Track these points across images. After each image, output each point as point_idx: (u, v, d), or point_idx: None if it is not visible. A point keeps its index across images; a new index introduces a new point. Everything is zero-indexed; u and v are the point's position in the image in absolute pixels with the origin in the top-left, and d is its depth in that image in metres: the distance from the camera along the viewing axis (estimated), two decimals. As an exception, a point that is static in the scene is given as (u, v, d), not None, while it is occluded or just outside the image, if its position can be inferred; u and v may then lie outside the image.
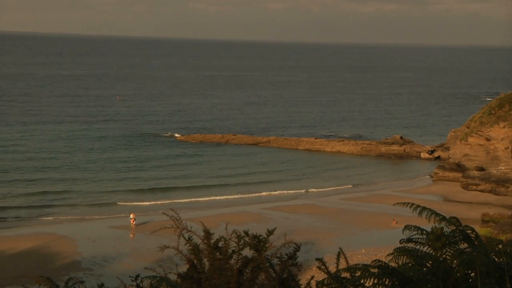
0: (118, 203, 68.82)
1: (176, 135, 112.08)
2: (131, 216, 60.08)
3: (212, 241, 9.75)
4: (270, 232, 9.85)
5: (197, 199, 72.78)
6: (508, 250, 8.43)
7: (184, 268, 10.00)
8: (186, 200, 71.83)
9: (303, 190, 79.27)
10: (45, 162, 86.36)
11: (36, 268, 45.46)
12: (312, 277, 9.70)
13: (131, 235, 57.63)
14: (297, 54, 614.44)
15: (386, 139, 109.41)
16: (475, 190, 78.61)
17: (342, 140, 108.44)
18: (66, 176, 79.55)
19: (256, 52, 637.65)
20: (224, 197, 74.26)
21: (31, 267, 46.38)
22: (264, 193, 77.22)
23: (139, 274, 9.24)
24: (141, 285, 9.36)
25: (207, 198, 72.94)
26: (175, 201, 68.61)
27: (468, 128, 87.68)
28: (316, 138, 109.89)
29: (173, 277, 9.57)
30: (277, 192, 77.87)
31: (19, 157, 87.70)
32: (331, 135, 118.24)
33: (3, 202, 67.16)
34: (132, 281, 9.52)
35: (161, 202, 69.07)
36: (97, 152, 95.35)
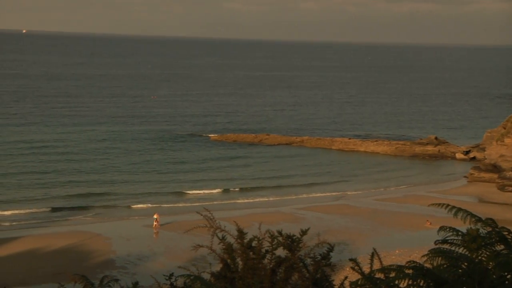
0: (149, 205, 68.89)
1: (210, 135, 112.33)
2: (155, 216, 60.05)
3: (245, 241, 9.77)
4: (303, 232, 9.83)
5: (235, 201, 72.61)
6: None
7: (217, 267, 10.02)
8: (223, 202, 71.66)
9: (338, 192, 78.84)
10: (82, 163, 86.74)
11: (72, 266, 45.90)
12: (346, 277, 9.67)
13: (154, 235, 57.68)
14: (331, 54, 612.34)
15: (421, 139, 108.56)
16: (511, 191, 77.65)
17: (376, 140, 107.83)
18: (103, 178, 79.80)
19: (290, 51, 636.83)
20: (258, 199, 74.14)
21: (66, 264, 46.86)
22: (297, 193, 77.07)
23: (173, 273, 9.29)
24: (175, 283, 9.40)
25: (243, 201, 72.73)
26: (211, 203, 68.48)
27: (505, 128, 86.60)
28: (349, 138, 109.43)
29: (206, 276, 9.60)
30: (311, 192, 77.70)
31: (58, 158, 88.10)
32: (365, 135, 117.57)
33: (41, 201, 67.82)
34: (166, 280, 9.57)
35: (195, 204, 69.12)
36: (132, 152, 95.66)
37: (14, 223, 60.42)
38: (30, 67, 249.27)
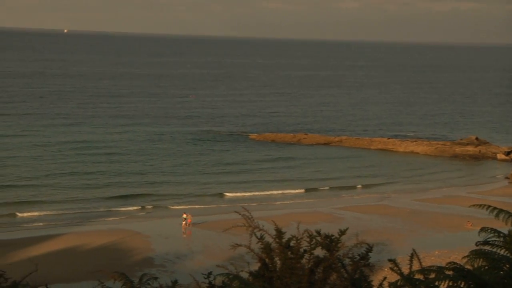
0: (188, 205, 69.04)
1: (250, 134, 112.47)
2: (184, 216, 59.90)
3: (283, 240, 9.76)
4: (342, 232, 9.79)
5: (274, 201, 72.45)
6: None
7: (255, 266, 10.03)
8: (262, 203, 71.59)
9: (377, 193, 78.39)
10: (123, 164, 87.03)
11: (111, 263, 46.34)
12: (385, 278, 9.60)
13: (184, 235, 57.72)
14: (371, 53, 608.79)
15: (461, 139, 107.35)
16: (554, 192, 76.41)
17: (416, 140, 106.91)
18: (144, 178, 79.87)
19: (330, 51, 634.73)
20: (297, 200, 74.04)
21: (106, 262, 47.34)
22: (336, 193, 76.87)
23: (211, 272, 9.31)
24: (213, 282, 9.42)
25: (282, 202, 72.57)
26: (249, 204, 68.43)
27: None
28: (389, 138, 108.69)
29: (244, 275, 9.60)
30: (349, 192, 77.41)
31: (100, 159, 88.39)
32: (405, 135, 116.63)
33: (82, 200, 68.48)
34: (205, 278, 9.59)
35: (234, 204, 69.20)
36: (171, 153, 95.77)
37: (56, 221, 61.23)
38: (73, 67, 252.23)
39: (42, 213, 63.27)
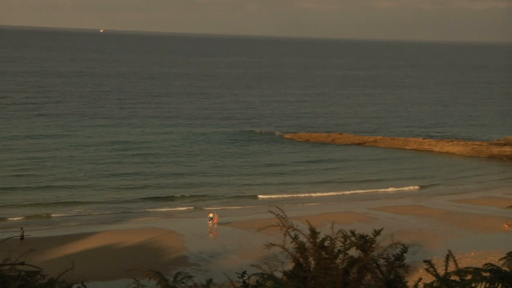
0: (217, 207, 69.19)
1: (283, 134, 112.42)
2: (211, 215, 59.66)
3: (318, 240, 9.74)
4: (377, 233, 9.75)
5: (307, 202, 72.32)
6: None
7: (289, 266, 10.02)
8: (296, 205, 71.46)
9: (412, 195, 77.84)
10: (158, 164, 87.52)
11: (146, 261, 46.67)
12: (420, 279, 9.53)
13: (210, 235, 57.56)
14: (407, 53, 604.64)
15: (498, 140, 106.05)
16: None
17: (452, 141, 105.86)
18: (179, 179, 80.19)
19: (365, 51, 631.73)
20: (331, 201, 73.84)
21: (141, 260, 47.68)
22: (370, 193, 76.51)
23: (245, 271, 9.31)
24: (247, 281, 9.42)
25: (315, 204, 72.34)
26: (282, 204, 68.36)
27: None
28: (424, 138, 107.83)
29: (279, 275, 9.60)
30: (383, 192, 76.98)
31: (134, 158, 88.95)
32: (441, 135, 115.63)
33: (117, 200, 68.97)
34: (239, 277, 9.60)
35: (268, 204, 69.18)
36: (206, 153, 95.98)
37: (91, 220, 61.86)
38: (111, 67, 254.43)
39: (78, 212, 63.96)
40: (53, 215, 62.98)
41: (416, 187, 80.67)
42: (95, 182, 75.51)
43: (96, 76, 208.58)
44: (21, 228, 53.14)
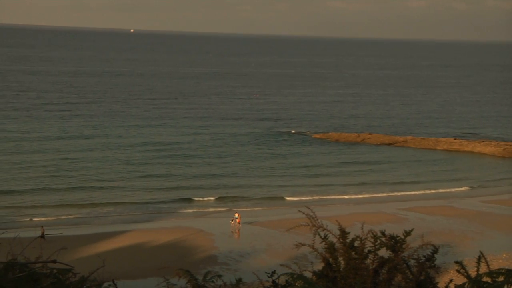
0: (246, 208, 69.18)
1: (312, 133, 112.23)
2: (236, 215, 59.50)
3: (347, 240, 9.71)
4: (407, 233, 9.69)
5: (336, 204, 72.09)
6: None
7: (319, 266, 10.01)
8: (325, 206, 71.25)
9: (443, 195, 77.23)
10: (188, 165, 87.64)
11: (175, 260, 46.89)
12: (451, 280, 9.46)
13: (235, 235, 57.57)
14: (440, 52, 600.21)
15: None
16: None
17: (483, 141, 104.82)
18: (209, 180, 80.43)
19: (397, 50, 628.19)
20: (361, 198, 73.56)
21: (170, 259, 47.91)
22: (400, 193, 76.06)
23: (275, 271, 9.31)
24: (277, 281, 9.42)
25: (342, 205, 72.12)
26: (312, 203, 68.16)
27: None
28: (455, 138, 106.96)
29: (308, 274, 9.59)
30: (413, 192, 76.52)
31: (166, 159, 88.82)
32: (472, 135, 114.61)
33: (149, 200, 69.26)
34: (268, 277, 9.60)
35: (296, 205, 69.04)
36: (236, 153, 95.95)
37: (122, 219, 62.33)
38: (143, 66, 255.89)
39: (108, 211, 64.44)
40: (84, 214, 63.52)
41: (445, 187, 79.97)
42: (126, 183, 75.71)
43: (129, 76, 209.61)
44: (42, 227, 53.62)
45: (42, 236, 50.86)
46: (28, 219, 60.37)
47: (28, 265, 6.98)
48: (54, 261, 7.24)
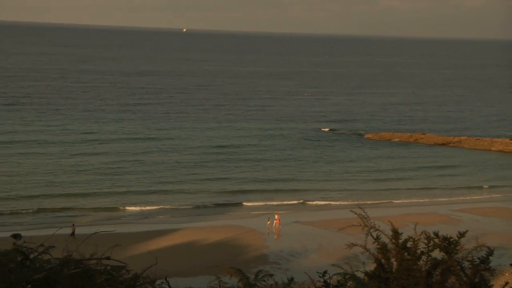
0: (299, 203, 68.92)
1: (365, 134, 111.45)
2: (276, 216, 58.90)
3: (400, 241, 9.62)
4: (461, 235, 9.57)
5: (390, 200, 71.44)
6: None
7: (371, 266, 9.94)
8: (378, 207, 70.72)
9: (497, 196, 76.01)
10: (237, 161, 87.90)
11: (227, 259, 47.11)
12: (507, 283, 9.32)
13: (275, 236, 57.03)
14: (496, 51, 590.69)
15: None
16: None
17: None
18: (259, 178, 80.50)
19: (451, 49, 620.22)
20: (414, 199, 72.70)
21: (222, 258, 48.18)
22: (454, 194, 75.12)
23: (326, 271, 9.27)
24: (329, 281, 9.37)
25: (398, 200, 71.35)
26: (364, 203, 67.67)
27: None
28: (511, 139, 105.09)
29: (360, 275, 9.53)
30: (468, 194, 75.48)
31: (222, 162, 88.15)
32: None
33: (203, 202, 69.35)
34: (320, 277, 9.57)
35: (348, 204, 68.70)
36: (287, 153, 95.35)
37: (175, 216, 62.89)
38: (198, 66, 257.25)
39: (160, 210, 64.98)
40: (136, 213, 64.16)
41: (501, 189, 78.63)
42: (182, 186, 75.02)
43: (183, 76, 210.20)
44: (73, 225, 54.29)
45: (72, 234, 51.60)
46: (81, 216, 61.23)
47: (83, 261, 7.10)
48: (108, 258, 7.34)
